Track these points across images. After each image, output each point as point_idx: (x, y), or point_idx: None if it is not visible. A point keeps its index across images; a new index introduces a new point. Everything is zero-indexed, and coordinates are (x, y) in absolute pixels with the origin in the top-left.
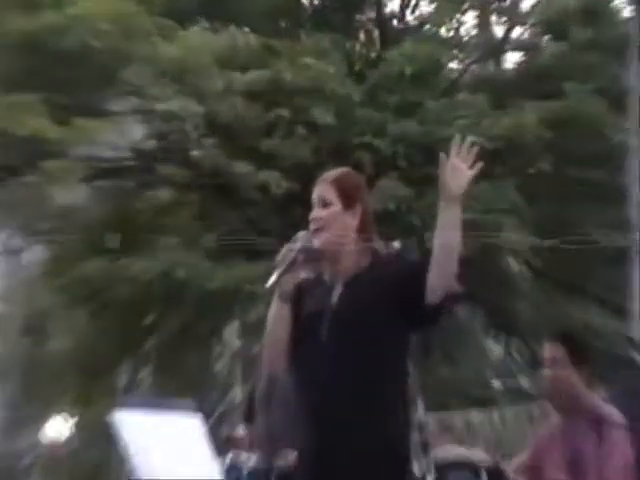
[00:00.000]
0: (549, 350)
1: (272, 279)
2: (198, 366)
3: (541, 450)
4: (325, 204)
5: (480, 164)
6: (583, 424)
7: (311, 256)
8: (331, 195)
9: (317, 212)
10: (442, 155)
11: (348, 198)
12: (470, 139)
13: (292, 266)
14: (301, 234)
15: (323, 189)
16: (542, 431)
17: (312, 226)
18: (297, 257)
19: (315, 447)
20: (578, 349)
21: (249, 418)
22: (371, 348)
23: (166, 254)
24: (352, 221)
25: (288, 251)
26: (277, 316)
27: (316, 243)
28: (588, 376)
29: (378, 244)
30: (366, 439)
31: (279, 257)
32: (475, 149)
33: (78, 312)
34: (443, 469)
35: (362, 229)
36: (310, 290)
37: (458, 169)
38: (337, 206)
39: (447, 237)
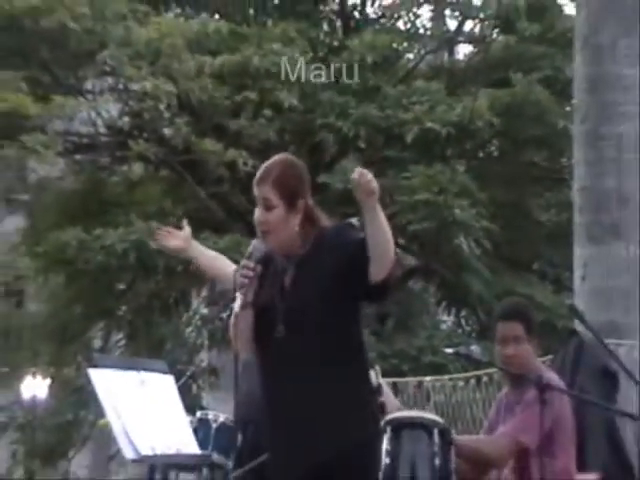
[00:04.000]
0: (508, 328)
1: (237, 305)
2: (168, 331)
3: (494, 421)
4: (269, 207)
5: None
6: (531, 391)
7: (266, 257)
8: (274, 197)
9: (262, 215)
10: (353, 178)
11: (291, 198)
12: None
13: (253, 281)
14: (254, 244)
15: (265, 191)
16: (496, 403)
17: (259, 228)
18: (257, 270)
19: (280, 438)
20: (532, 324)
21: None
22: (330, 324)
23: (140, 225)
24: (295, 219)
25: (247, 270)
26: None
27: (267, 245)
28: (537, 348)
29: (324, 222)
30: (339, 408)
31: (238, 277)
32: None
33: (55, 278)
34: (398, 428)
35: (306, 218)
36: (267, 265)
37: (365, 181)
38: (281, 209)
39: (379, 238)
